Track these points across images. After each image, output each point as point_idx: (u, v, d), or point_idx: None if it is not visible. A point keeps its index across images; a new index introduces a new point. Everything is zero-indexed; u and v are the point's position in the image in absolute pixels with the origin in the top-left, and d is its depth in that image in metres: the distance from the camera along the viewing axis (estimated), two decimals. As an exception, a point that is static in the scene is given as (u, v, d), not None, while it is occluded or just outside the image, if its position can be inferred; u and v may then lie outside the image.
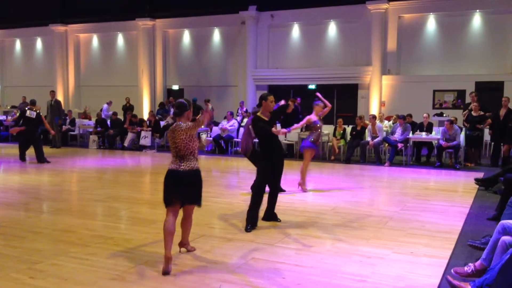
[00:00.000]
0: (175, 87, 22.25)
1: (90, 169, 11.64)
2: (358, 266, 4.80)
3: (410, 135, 12.74)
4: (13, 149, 15.28)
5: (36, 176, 10.30)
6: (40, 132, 13.95)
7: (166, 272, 4.48)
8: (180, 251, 5.13)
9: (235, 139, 14.90)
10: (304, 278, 4.48)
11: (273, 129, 6.12)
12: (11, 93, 24.75)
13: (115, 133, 16.16)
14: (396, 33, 17.98)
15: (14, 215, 6.85)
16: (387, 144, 12.89)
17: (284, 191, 8.14)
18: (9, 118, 17.65)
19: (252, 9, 19.71)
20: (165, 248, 4.57)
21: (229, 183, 9.97)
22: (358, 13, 18.43)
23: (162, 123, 16.29)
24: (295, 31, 19.82)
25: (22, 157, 12.49)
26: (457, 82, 17.19)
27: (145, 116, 19.87)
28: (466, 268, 4.38)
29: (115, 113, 16.91)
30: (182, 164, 4.71)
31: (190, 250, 5.17)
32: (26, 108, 12.75)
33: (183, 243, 5.15)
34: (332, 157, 13.37)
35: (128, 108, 18.61)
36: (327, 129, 14.38)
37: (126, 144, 15.84)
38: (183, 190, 4.70)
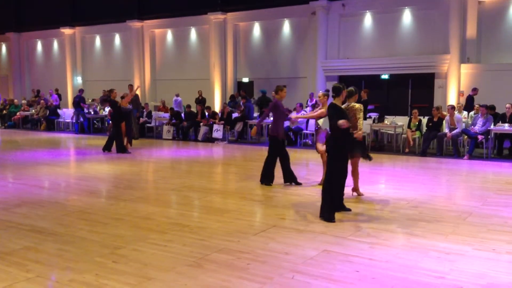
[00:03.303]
0: (245, 79, 22.48)
1: (165, 160, 12.08)
2: (436, 262, 4.64)
3: (492, 126, 12.05)
4: (94, 140, 16.18)
5: (116, 166, 10.84)
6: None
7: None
8: (352, 195, 7.37)
9: (304, 131, 14.82)
10: (379, 272, 4.39)
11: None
12: (91, 87, 26.15)
13: (188, 125, 16.63)
14: (476, 19, 17.02)
15: (97, 203, 7.28)
16: (466, 136, 12.28)
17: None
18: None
19: (322, -1, 19.45)
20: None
21: (298, 175, 9.91)
22: (434, -1, 17.67)
23: (235, 115, 16.52)
24: (367, 20, 19.32)
25: (106, 148, 13.03)
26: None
27: (217, 108, 20.27)
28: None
29: (188, 106, 17.37)
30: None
31: (359, 195, 7.43)
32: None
33: (354, 188, 7.44)
34: (407, 150, 12.95)
35: (200, 101, 19.05)
36: (401, 121, 13.93)
37: (199, 138, 16.20)
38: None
